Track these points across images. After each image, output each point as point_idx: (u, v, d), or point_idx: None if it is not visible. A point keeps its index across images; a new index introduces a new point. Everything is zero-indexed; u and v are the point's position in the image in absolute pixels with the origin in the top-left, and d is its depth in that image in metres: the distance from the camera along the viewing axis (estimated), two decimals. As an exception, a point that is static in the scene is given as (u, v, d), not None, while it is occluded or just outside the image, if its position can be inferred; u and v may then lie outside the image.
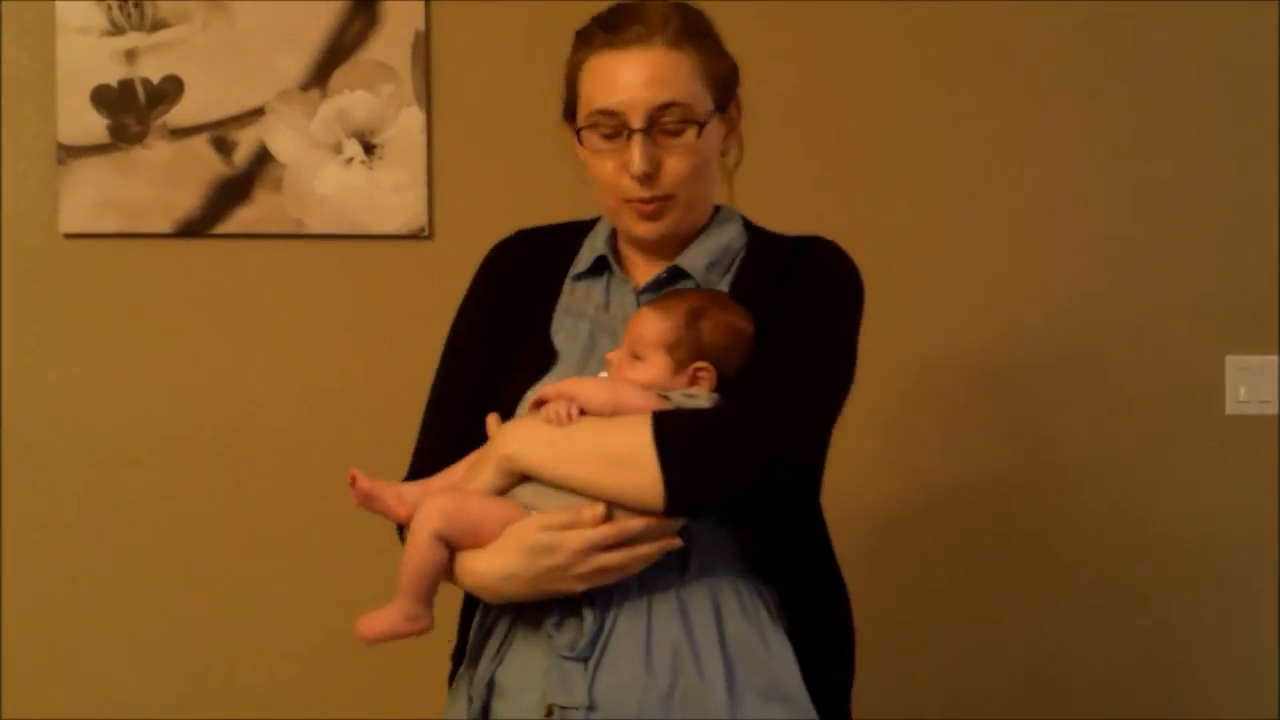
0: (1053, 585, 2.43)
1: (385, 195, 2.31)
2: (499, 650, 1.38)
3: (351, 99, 2.30)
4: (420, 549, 1.31)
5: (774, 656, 1.35)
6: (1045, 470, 2.44)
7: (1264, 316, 2.44)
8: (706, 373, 1.35)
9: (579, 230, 1.54)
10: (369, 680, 2.33)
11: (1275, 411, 2.45)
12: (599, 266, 1.49)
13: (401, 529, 1.41)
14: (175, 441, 2.30)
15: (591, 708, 1.29)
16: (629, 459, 1.27)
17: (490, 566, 1.30)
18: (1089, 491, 2.44)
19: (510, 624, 1.37)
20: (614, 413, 1.31)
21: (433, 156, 2.32)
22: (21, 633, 2.27)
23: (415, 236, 2.32)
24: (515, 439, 1.33)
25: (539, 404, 1.34)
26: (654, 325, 1.34)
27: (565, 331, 1.45)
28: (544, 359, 1.43)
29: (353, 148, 2.30)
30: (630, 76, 1.37)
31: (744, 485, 1.30)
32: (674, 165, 1.39)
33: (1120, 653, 2.44)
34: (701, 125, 1.39)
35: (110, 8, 2.26)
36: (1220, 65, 2.44)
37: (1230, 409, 2.45)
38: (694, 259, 1.45)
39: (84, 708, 2.28)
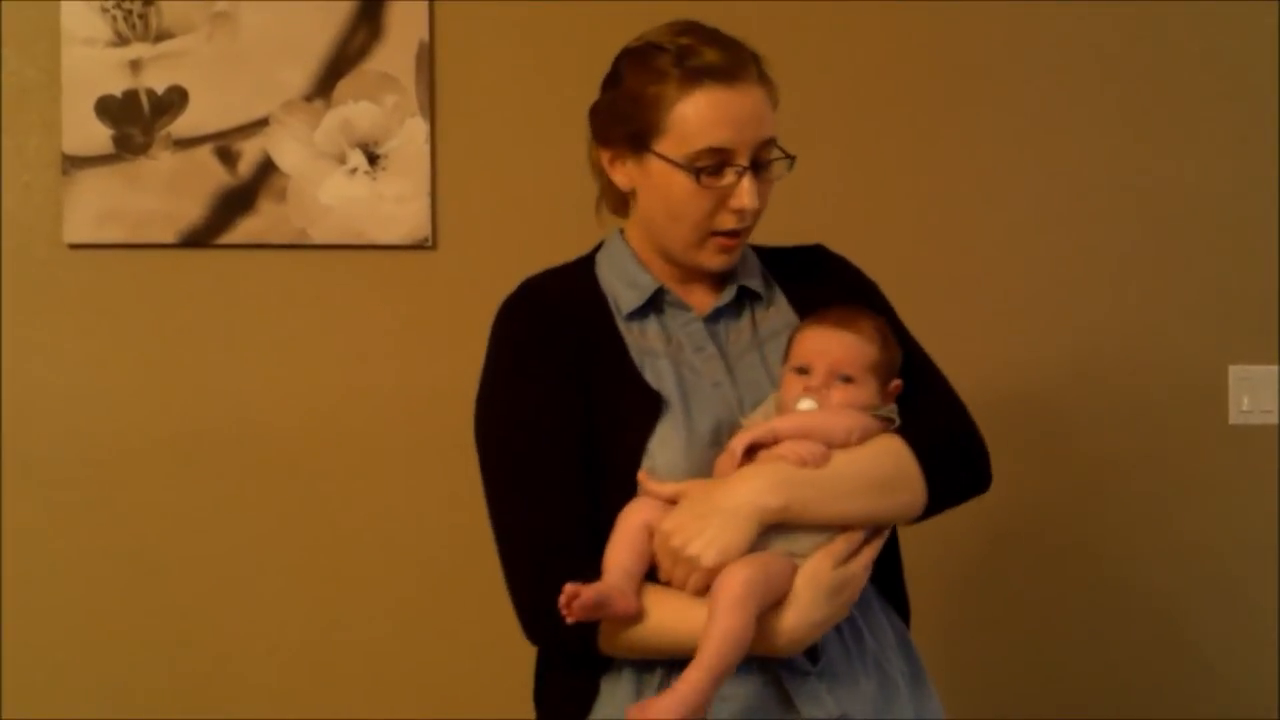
0: (1056, 592, 2.44)
1: (389, 206, 2.31)
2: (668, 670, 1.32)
3: (355, 109, 2.30)
4: (744, 630, 1.23)
5: (906, 643, 1.45)
6: (1047, 480, 2.44)
7: (1266, 326, 2.45)
8: (898, 387, 1.41)
9: (583, 269, 1.51)
10: (373, 684, 2.33)
11: (1277, 421, 2.45)
12: (651, 302, 1.45)
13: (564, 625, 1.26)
14: (179, 452, 2.30)
15: (844, 718, 1.31)
16: (901, 481, 1.33)
17: (800, 621, 1.28)
18: (1091, 501, 2.45)
19: None
20: (859, 440, 1.33)
21: (436, 167, 2.32)
22: (22, 636, 2.27)
23: (419, 247, 2.32)
24: (775, 490, 1.28)
25: (752, 450, 1.32)
26: (860, 348, 1.36)
27: (651, 373, 1.40)
28: (651, 405, 1.37)
29: (357, 158, 2.31)
30: (740, 113, 1.36)
31: (975, 485, 1.44)
32: (762, 198, 1.41)
33: (1122, 657, 2.44)
34: (792, 160, 1.41)
35: (115, 18, 2.26)
36: (1221, 71, 2.45)
37: (1233, 419, 2.45)
38: (751, 278, 1.48)
39: (84, 709, 2.28)
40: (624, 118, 1.40)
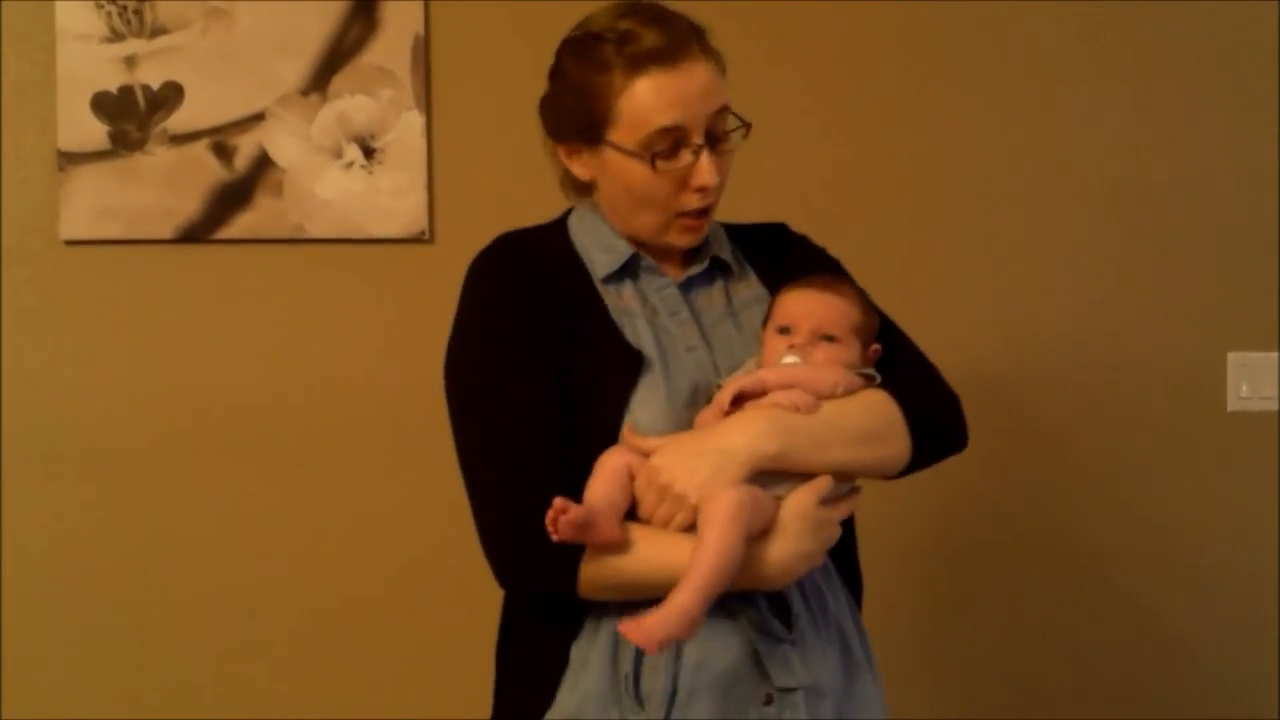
0: (1052, 582, 2.44)
1: (386, 199, 2.31)
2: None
3: (351, 103, 2.30)
4: (735, 549, 1.24)
5: (859, 620, 1.47)
6: (1046, 468, 2.44)
7: (1265, 313, 2.45)
8: (877, 351, 1.44)
9: (556, 231, 1.51)
10: (374, 683, 2.33)
11: (1276, 408, 2.45)
12: (625, 267, 1.45)
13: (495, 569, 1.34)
14: (177, 447, 2.30)
15: (815, 687, 1.34)
16: (889, 433, 1.35)
17: (786, 551, 1.29)
18: (1090, 489, 2.45)
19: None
20: (845, 394, 1.35)
21: (433, 160, 2.32)
22: (22, 636, 2.27)
23: (416, 240, 2.32)
24: (771, 436, 1.29)
25: (739, 400, 1.33)
26: (844, 309, 1.40)
27: (630, 332, 1.40)
28: (634, 363, 1.37)
29: (353, 152, 2.30)
30: (687, 91, 1.35)
31: (955, 442, 1.45)
32: (722, 171, 1.40)
33: (1120, 650, 2.44)
34: (748, 127, 1.41)
35: (110, 14, 2.26)
36: (1220, 64, 2.45)
37: (1232, 405, 2.45)
38: (723, 250, 1.50)
39: (84, 709, 2.28)
40: (574, 112, 1.40)
